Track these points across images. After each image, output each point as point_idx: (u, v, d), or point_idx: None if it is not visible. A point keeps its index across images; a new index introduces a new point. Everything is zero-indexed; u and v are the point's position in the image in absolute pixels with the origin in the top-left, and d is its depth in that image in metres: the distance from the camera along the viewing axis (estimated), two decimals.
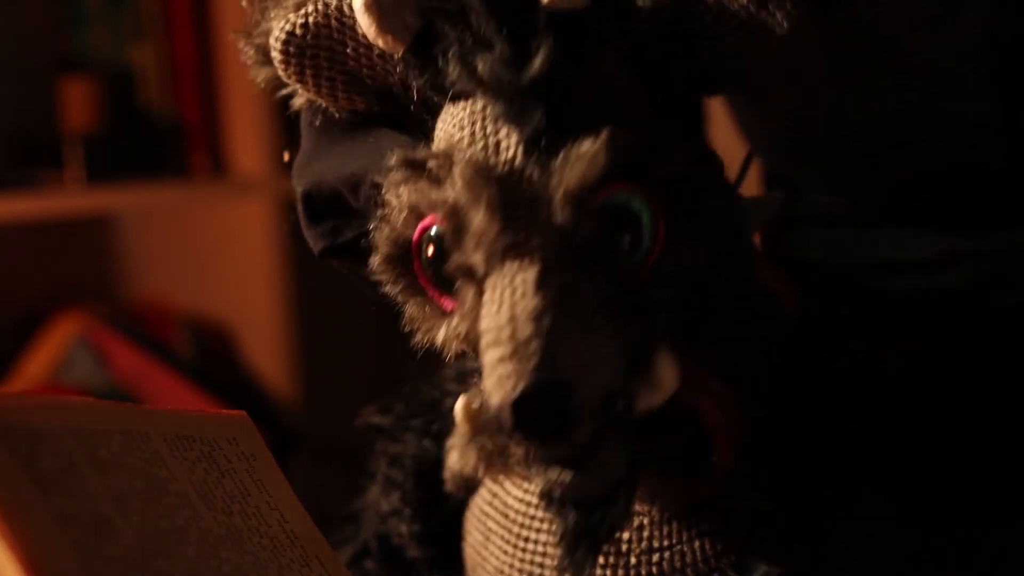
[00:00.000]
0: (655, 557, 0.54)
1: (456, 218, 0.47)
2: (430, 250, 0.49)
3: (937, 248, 0.67)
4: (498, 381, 0.45)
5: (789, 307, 0.59)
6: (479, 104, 0.49)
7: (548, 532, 0.56)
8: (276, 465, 0.56)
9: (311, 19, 0.52)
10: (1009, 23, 0.65)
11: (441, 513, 0.64)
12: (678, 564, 0.54)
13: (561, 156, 0.46)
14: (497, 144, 0.48)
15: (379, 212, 0.51)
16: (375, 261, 0.51)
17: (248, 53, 0.56)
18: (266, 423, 0.99)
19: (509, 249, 0.46)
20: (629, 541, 0.55)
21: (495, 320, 0.46)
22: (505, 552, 0.58)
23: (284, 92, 0.57)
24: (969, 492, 0.57)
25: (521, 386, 0.45)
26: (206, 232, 1.56)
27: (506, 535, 0.58)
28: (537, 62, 0.46)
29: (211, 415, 0.59)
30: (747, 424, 0.54)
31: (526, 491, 0.57)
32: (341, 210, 0.57)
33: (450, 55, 0.48)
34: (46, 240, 1.48)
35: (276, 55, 0.53)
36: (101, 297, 1.51)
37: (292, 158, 0.61)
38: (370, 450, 0.67)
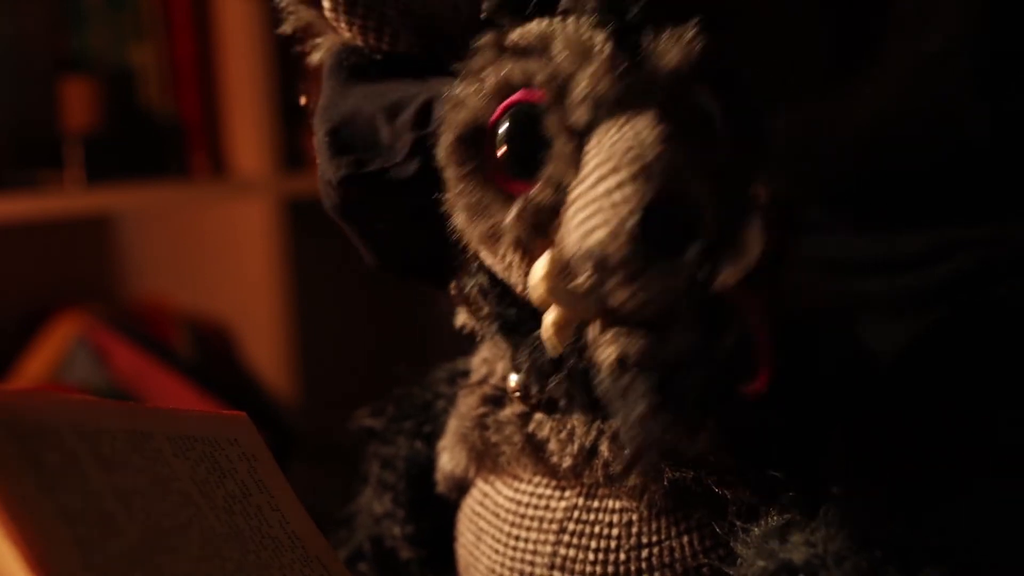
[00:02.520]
0: (644, 553, 0.55)
1: (557, 83, 0.48)
2: (507, 131, 0.50)
3: (927, 242, 0.68)
4: (620, 200, 0.45)
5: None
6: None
7: (538, 531, 0.57)
8: (277, 466, 0.56)
9: None
10: (992, 13, 0.66)
11: (433, 514, 0.64)
12: (667, 559, 0.55)
13: (664, 39, 0.48)
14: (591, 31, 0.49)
15: (448, 102, 0.51)
16: (443, 144, 0.51)
17: None
18: (266, 423, 0.99)
19: (619, 103, 0.47)
20: (618, 537, 0.55)
21: (610, 151, 0.46)
22: (496, 551, 0.58)
23: (310, 43, 0.58)
24: (965, 483, 0.57)
25: (649, 198, 0.45)
26: (206, 232, 1.57)
27: (497, 534, 0.58)
28: None
29: (212, 415, 0.59)
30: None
31: (516, 491, 0.58)
32: (369, 145, 0.57)
33: None
34: (46, 240, 1.49)
35: None
36: (101, 297, 1.52)
37: (310, 103, 0.61)
38: (365, 452, 0.68)
